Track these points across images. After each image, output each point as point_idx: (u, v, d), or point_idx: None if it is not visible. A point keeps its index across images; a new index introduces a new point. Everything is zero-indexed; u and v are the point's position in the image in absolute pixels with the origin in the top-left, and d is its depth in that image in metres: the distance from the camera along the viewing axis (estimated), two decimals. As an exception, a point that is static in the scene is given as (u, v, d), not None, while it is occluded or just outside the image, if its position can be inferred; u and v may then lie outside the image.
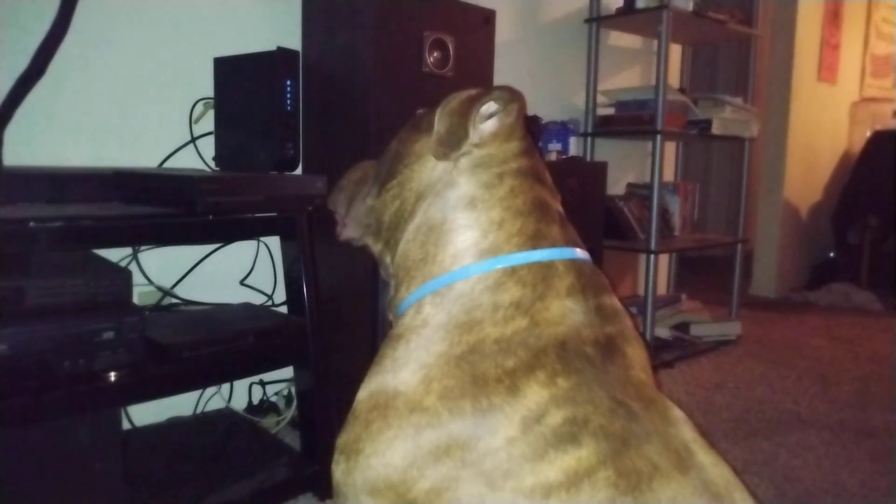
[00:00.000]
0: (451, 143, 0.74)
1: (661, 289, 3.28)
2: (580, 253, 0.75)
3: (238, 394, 1.84)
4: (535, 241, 0.72)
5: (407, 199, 0.78)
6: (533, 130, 2.31)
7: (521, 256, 0.70)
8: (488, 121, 0.75)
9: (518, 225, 0.72)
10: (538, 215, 0.74)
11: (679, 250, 3.22)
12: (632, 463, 0.60)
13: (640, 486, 0.59)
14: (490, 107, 0.74)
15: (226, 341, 1.33)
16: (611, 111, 2.85)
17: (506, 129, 0.76)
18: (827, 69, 4.25)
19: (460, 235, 0.72)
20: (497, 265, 0.70)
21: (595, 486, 0.59)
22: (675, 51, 3.27)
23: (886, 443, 1.90)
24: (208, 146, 1.72)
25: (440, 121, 0.75)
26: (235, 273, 1.83)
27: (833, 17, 4.22)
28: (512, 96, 0.75)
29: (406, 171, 0.79)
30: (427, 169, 0.77)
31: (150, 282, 1.64)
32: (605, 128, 2.84)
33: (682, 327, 2.91)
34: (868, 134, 4.43)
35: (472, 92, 0.77)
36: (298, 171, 1.61)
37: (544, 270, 0.70)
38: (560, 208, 0.80)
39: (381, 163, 0.86)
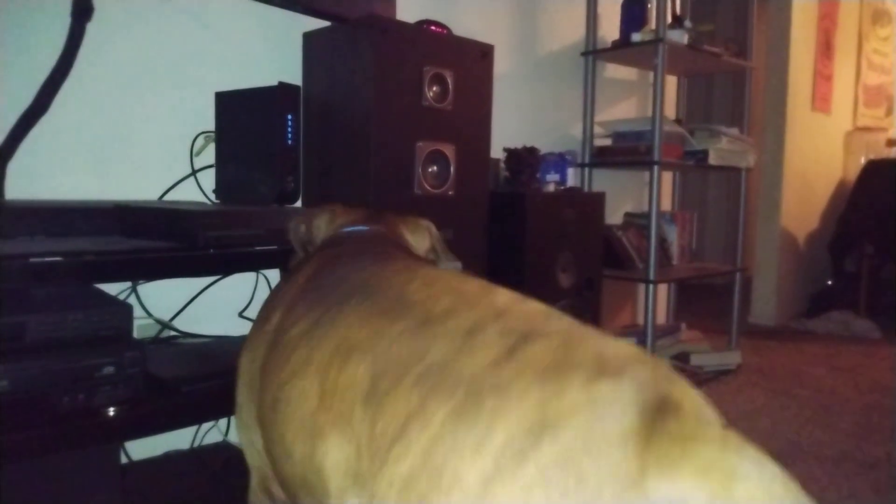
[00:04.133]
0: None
1: (661, 318, 3.27)
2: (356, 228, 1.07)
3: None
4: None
5: None
6: (531, 162, 2.33)
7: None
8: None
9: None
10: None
11: (678, 280, 3.23)
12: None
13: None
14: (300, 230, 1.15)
15: (225, 375, 1.32)
16: (608, 142, 2.88)
17: (310, 228, 1.14)
18: (821, 99, 4.30)
19: None
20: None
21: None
22: (671, 82, 3.31)
23: (889, 473, 1.88)
24: (209, 179, 1.74)
25: None
26: (234, 304, 1.83)
27: (825, 48, 4.29)
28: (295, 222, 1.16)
29: None
30: None
31: (149, 314, 1.64)
32: (602, 158, 2.86)
33: (683, 357, 2.90)
34: (862, 162, 4.47)
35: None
36: (299, 204, 1.62)
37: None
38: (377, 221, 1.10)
39: None
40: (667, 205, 3.33)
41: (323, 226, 1.11)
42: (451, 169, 1.82)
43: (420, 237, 1.11)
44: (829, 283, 4.33)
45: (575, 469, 0.43)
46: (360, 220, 1.10)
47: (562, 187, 2.47)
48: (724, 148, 2.83)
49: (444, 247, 1.14)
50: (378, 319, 0.64)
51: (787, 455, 2.01)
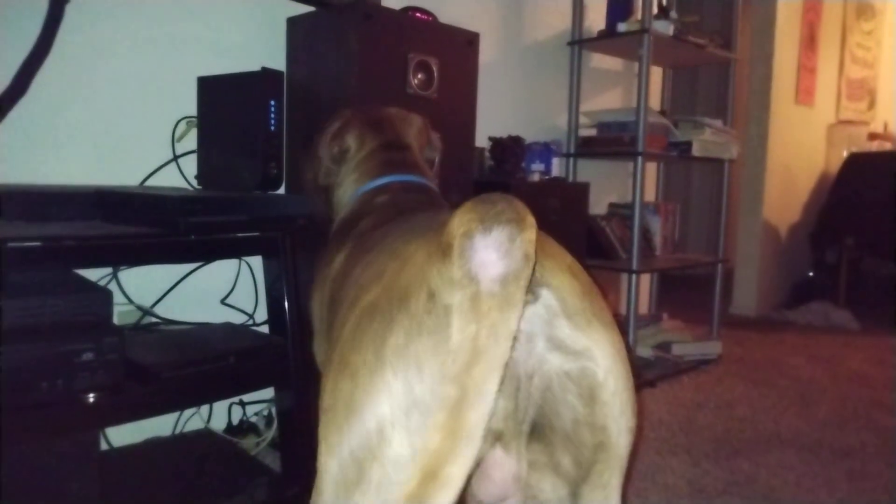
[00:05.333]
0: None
1: (643, 308, 3.30)
2: (402, 177, 1.19)
3: (217, 414, 1.82)
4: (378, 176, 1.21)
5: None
6: (516, 151, 2.33)
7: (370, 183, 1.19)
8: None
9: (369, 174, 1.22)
10: (379, 169, 1.21)
11: (660, 270, 3.25)
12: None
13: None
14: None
15: (206, 362, 1.32)
16: (593, 132, 2.88)
17: (343, 148, 1.26)
18: (804, 92, 4.33)
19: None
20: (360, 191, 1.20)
21: None
22: (656, 73, 3.32)
23: (864, 461, 1.91)
24: (191, 165, 1.72)
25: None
26: (216, 292, 1.82)
27: (809, 41, 4.32)
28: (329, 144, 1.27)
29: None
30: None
31: (130, 301, 1.63)
32: (587, 149, 2.87)
33: (664, 346, 2.92)
34: (844, 155, 4.52)
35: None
36: (281, 190, 1.62)
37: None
38: (403, 150, 1.27)
39: None
40: (650, 195, 3.34)
41: (353, 145, 1.26)
42: (436, 157, 1.81)
43: (416, 132, 1.33)
44: (810, 274, 4.38)
45: (406, 246, 0.68)
46: (386, 155, 1.25)
47: (546, 177, 2.47)
48: (707, 139, 2.85)
49: (431, 134, 1.39)
50: (370, 234, 0.93)
51: (765, 443, 2.04)
